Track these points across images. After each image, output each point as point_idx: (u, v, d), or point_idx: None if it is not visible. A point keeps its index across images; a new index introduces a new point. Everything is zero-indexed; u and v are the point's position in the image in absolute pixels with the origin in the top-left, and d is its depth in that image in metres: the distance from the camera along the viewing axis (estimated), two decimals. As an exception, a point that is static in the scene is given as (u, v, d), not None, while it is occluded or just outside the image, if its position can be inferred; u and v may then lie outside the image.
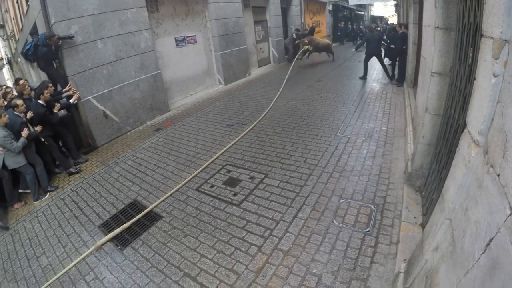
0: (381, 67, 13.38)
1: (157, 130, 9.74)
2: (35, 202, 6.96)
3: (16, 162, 6.65)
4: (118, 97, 9.92)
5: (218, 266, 4.27)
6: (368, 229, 4.39)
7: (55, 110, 7.60)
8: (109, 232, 5.46)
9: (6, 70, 27.92)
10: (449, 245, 2.33)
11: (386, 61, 14.06)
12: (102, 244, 5.12)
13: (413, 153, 5.30)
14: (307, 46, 17.16)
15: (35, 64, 10.61)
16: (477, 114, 2.26)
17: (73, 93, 8.58)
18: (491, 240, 1.70)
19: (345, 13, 36.61)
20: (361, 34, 32.18)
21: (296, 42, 18.26)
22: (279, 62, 19.98)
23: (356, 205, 4.91)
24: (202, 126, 9.41)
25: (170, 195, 6.10)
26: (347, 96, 10.44)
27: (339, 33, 31.32)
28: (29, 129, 6.84)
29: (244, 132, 8.37)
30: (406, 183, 5.11)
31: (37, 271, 5.08)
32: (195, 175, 6.66)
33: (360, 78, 13.32)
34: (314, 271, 3.89)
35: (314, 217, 4.84)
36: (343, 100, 10.00)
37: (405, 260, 3.51)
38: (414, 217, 4.34)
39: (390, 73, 12.59)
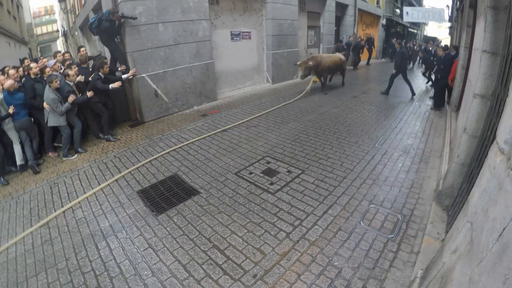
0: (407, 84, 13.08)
1: (203, 115, 9.99)
2: (63, 158, 7.81)
3: (57, 121, 7.57)
4: (171, 79, 10.26)
5: (246, 244, 4.46)
6: (392, 236, 4.44)
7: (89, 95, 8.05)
8: (147, 198, 5.77)
9: (60, 41, 29.01)
10: (468, 244, 2.32)
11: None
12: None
13: (446, 172, 5.20)
14: (313, 77, 13.54)
15: (96, 37, 11.11)
16: (505, 126, 2.28)
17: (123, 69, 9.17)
18: (504, 229, 1.72)
19: (398, 29, 35.92)
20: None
21: (297, 64, 13.09)
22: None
23: (384, 212, 4.96)
24: (247, 118, 9.59)
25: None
26: (390, 111, 10.33)
27: (390, 50, 30.74)
28: (76, 96, 7.66)
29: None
30: (435, 201, 5.10)
31: (71, 222, 5.49)
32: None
33: (382, 93, 13.12)
34: (335, 263, 4.00)
35: (343, 216, 4.93)
36: (386, 114, 9.91)
37: (422, 269, 3.53)
38: (438, 233, 4.36)
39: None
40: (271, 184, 5.97)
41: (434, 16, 26.73)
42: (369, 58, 22.83)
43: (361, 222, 4.75)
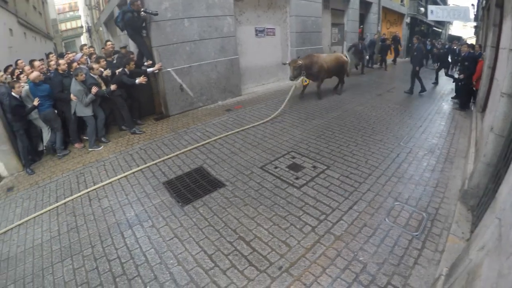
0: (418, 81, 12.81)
1: (228, 110, 10.00)
2: (89, 149, 8.04)
3: (83, 111, 7.90)
4: (196, 74, 10.28)
5: (272, 237, 4.47)
6: (417, 233, 4.41)
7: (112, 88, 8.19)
8: (173, 189, 5.81)
9: (83, 37, 29.44)
10: (496, 240, 2.30)
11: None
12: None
13: (472, 172, 5.11)
14: (301, 78, 10.76)
15: (121, 33, 11.21)
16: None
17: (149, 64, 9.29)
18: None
19: (422, 28, 35.23)
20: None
21: (286, 63, 11.25)
22: (350, 67, 19.39)
23: (409, 210, 4.92)
24: (271, 114, 9.49)
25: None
26: (415, 110, 10.13)
27: (415, 53, 29.96)
28: (100, 88, 7.93)
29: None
30: (460, 201, 5.04)
31: (96, 211, 5.61)
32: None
33: (406, 92, 12.76)
34: (360, 258, 3.98)
35: (368, 212, 4.91)
36: (410, 113, 9.73)
37: (447, 267, 3.47)
38: (462, 233, 4.31)
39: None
40: (297, 178, 5.94)
41: (459, 15, 26.16)
42: (395, 57, 22.47)
43: (386, 219, 4.72)
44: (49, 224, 5.63)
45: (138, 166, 6.80)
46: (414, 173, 6.02)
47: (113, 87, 8.03)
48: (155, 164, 6.84)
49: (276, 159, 6.69)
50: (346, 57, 12.75)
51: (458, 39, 34.33)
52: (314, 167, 6.33)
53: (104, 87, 8.10)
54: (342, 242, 4.28)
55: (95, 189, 6.15)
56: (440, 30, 46.34)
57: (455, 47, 18.63)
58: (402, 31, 29.24)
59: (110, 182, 6.30)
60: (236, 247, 4.34)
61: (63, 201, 5.98)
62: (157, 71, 9.33)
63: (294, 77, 10.48)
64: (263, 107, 10.21)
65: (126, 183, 6.23)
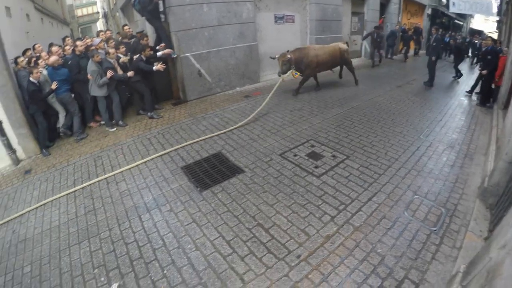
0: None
1: (246, 97, 9.91)
2: (106, 128, 8.34)
3: (97, 91, 8.04)
4: (214, 59, 10.19)
5: (291, 225, 4.44)
6: (435, 228, 4.36)
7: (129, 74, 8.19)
8: (191, 174, 5.78)
9: (100, 23, 29.53)
10: None
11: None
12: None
13: (492, 170, 5.01)
14: (291, 71, 9.67)
15: (138, 18, 11.18)
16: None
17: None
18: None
19: (443, 20, 34.46)
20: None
21: (275, 57, 9.78)
22: (370, 57, 19.11)
23: (428, 204, 4.85)
24: (290, 102, 9.43)
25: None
26: (435, 104, 9.90)
27: (434, 43, 29.22)
28: (116, 72, 8.00)
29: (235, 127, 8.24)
30: (479, 198, 4.97)
31: (114, 194, 5.62)
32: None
33: (425, 84, 12.48)
34: (379, 251, 3.95)
35: (388, 204, 4.84)
36: (430, 106, 9.52)
37: (464, 265, 3.40)
38: (480, 231, 4.27)
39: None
40: (316, 167, 5.86)
41: (481, 9, 25.57)
42: (417, 49, 22.04)
43: (405, 212, 4.67)
44: (67, 206, 5.66)
45: (156, 151, 6.80)
46: (434, 168, 5.92)
47: (130, 73, 8.02)
48: (175, 150, 6.81)
49: (295, 147, 6.60)
50: (347, 44, 11.93)
51: (479, 33, 33.52)
52: (333, 156, 6.24)
53: (120, 72, 8.12)
54: (361, 233, 4.24)
55: (114, 174, 6.15)
56: (462, 23, 45.28)
57: (476, 41, 18.21)
58: (423, 23, 28.63)
59: (129, 168, 6.29)
60: (254, 234, 4.32)
61: (83, 185, 6.00)
62: (175, 55, 9.26)
63: (283, 72, 9.56)
64: (281, 95, 10.07)
65: (144, 167, 6.24)
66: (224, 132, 7.40)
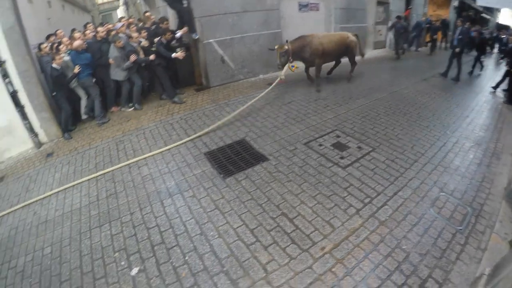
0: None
1: (269, 84, 9.62)
2: (122, 109, 8.65)
3: (118, 75, 8.20)
4: (238, 46, 10.05)
5: (315, 216, 4.35)
6: (461, 228, 4.25)
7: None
8: (214, 160, 5.72)
9: (121, 10, 29.66)
10: None
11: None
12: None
13: None
14: (288, 64, 8.97)
15: (160, 4, 11.12)
16: None
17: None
18: None
19: (469, 13, 33.57)
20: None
21: (273, 49, 9.02)
22: (393, 49, 18.61)
23: (454, 202, 4.72)
24: (313, 91, 9.25)
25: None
26: (462, 99, 9.62)
27: (460, 36, 28.28)
28: (138, 55, 8.03)
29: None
30: (505, 199, 4.88)
31: (136, 178, 5.61)
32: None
33: (453, 79, 11.95)
34: (404, 247, 3.87)
35: (413, 199, 4.72)
36: (457, 102, 9.24)
37: (489, 268, 3.34)
38: (505, 233, 4.23)
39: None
40: (342, 158, 5.73)
41: (510, 3, 24.82)
42: (445, 42, 21.50)
43: (431, 209, 4.55)
44: (88, 189, 5.68)
45: (179, 136, 6.75)
46: (460, 165, 5.77)
47: (151, 57, 8.06)
48: (199, 136, 6.73)
49: (320, 137, 6.46)
50: (357, 36, 10.59)
51: (507, 28, 32.58)
52: (359, 147, 6.09)
53: (142, 56, 8.17)
54: (386, 228, 4.16)
55: (138, 160, 6.12)
56: (489, 17, 44.19)
57: (503, 36, 17.62)
58: (449, 15, 27.93)
59: (153, 155, 6.25)
60: (278, 223, 4.25)
61: (109, 169, 5.98)
62: (196, 36, 9.27)
63: (282, 65, 8.85)
64: (305, 84, 9.86)
65: (167, 152, 6.19)
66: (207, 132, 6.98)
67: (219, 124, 7.01)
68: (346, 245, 3.86)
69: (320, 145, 6.15)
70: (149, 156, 6.16)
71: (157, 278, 3.73)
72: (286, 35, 11.55)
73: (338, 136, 6.48)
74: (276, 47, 8.91)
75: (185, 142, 6.48)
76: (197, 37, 9.24)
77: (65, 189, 5.74)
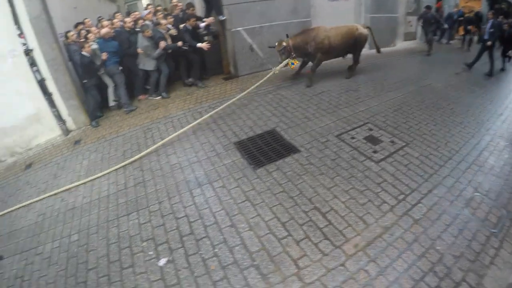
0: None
1: (296, 74, 9.53)
2: (149, 98, 8.70)
3: (147, 65, 8.26)
4: (267, 34, 9.82)
5: (348, 211, 4.23)
6: (495, 231, 4.10)
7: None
8: (244, 150, 5.62)
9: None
10: None
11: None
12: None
13: None
14: (287, 60, 8.35)
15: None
16: None
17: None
18: None
19: (502, 5, 32.45)
20: None
21: (273, 46, 8.55)
22: (425, 42, 18.11)
23: (489, 203, 4.53)
24: (345, 82, 9.02)
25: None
26: (496, 95, 9.18)
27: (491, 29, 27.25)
28: (166, 42, 8.08)
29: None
30: None
31: (164, 167, 5.58)
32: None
33: (486, 74, 11.53)
34: (438, 248, 3.73)
35: (448, 198, 4.53)
36: (491, 98, 8.85)
37: None
38: None
39: None
40: (375, 152, 5.55)
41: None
42: (478, 36, 20.81)
43: (465, 210, 4.38)
44: (116, 177, 5.69)
45: (207, 125, 6.68)
46: (495, 164, 5.51)
47: (179, 43, 8.13)
48: (225, 123, 6.69)
49: (352, 129, 6.26)
50: (370, 28, 9.82)
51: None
52: (392, 142, 5.88)
53: (170, 43, 8.23)
54: (420, 227, 4.01)
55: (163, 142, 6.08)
56: (523, 11, 42.83)
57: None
58: (481, 7, 27.09)
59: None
60: (311, 218, 4.15)
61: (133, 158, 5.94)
62: (223, 17, 9.13)
63: (282, 61, 8.37)
64: (336, 74, 9.65)
65: (196, 141, 6.13)
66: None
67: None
68: (380, 243, 3.74)
69: (353, 138, 5.97)
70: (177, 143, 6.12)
71: (186, 270, 3.69)
72: (315, 24, 11.32)
73: (370, 129, 6.29)
74: (277, 43, 8.43)
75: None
76: (224, 18, 9.11)
77: (92, 176, 5.79)
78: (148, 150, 6.02)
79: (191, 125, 6.53)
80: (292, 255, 3.64)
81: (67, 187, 5.67)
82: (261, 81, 7.81)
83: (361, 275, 3.38)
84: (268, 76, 8.08)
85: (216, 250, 3.83)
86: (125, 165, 5.85)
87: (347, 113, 6.94)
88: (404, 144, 5.84)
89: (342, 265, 3.49)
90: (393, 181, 4.79)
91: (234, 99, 7.24)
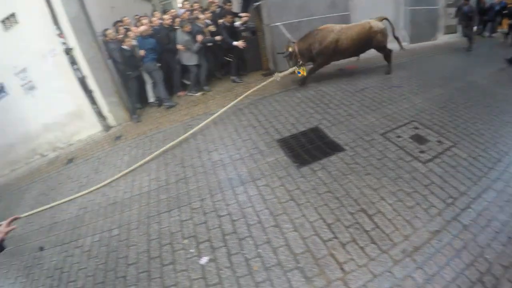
0: None
1: (340, 69, 9.37)
2: (189, 94, 8.89)
3: (189, 60, 8.50)
4: (306, 29, 9.47)
5: (396, 214, 4.06)
6: None
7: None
8: (288, 148, 5.53)
9: None
10: None
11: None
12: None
13: None
14: (294, 68, 7.94)
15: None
16: None
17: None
18: None
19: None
20: None
21: (282, 52, 8.30)
22: (464, 35, 17.33)
23: None
24: (387, 78, 8.73)
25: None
26: None
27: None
28: (204, 36, 8.36)
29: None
30: None
31: (206, 163, 5.58)
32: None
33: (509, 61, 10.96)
34: (487, 256, 3.52)
35: (498, 204, 4.26)
36: None
37: None
38: None
39: None
40: (421, 152, 5.30)
41: None
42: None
43: None
44: (157, 173, 5.75)
45: (249, 121, 6.65)
46: None
47: (218, 38, 8.36)
48: (267, 120, 6.61)
49: (397, 127, 6.03)
50: (389, 20, 9.13)
51: None
52: (439, 141, 5.61)
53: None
54: (470, 233, 3.79)
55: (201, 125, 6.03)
56: None
57: None
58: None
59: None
60: (357, 220, 4.00)
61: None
62: (258, 2, 9.17)
63: (291, 67, 7.95)
64: (378, 70, 9.34)
65: (237, 138, 6.09)
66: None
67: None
68: (428, 249, 3.57)
69: (398, 136, 5.74)
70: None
71: (228, 269, 3.66)
72: (354, 18, 11.07)
73: (416, 128, 6.03)
74: (286, 46, 8.05)
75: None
76: (258, 3, 9.08)
77: (133, 171, 5.94)
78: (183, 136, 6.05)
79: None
80: (337, 258, 3.54)
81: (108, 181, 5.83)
82: (262, 84, 7.63)
83: (407, 282, 3.27)
84: (267, 81, 7.78)
85: (259, 250, 3.78)
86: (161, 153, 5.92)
87: (392, 111, 6.71)
88: (451, 144, 5.57)
89: (389, 271, 3.36)
90: (441, 183, 4.57)
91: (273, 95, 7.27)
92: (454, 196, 4.35)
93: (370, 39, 8.19)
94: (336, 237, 3.78)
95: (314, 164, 5.05)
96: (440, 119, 6.39)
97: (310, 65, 8.34)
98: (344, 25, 8.35)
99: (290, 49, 7.83)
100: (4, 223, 2.65)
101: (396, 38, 8.96)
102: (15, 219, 2.76)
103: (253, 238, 3.95)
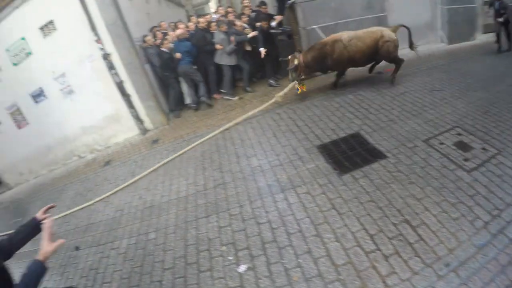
0: None
1: (378, 73, 9.09)
2: (224, 97, 9.02)
3: (226, 60, 8.64)
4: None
5: (440, 226, 3.88)
6: None
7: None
8: (328, 155, 5.43)
9: (213, 2, 31.23)
10: None
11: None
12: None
13: None
14: (293, 83, 7.58)
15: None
16: None
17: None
18: None
19: None
20: None
21: (290, 67, 7.57)
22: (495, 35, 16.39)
23: None
24: (428, 81, 8.41)
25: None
26: None
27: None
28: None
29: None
30: None
31: (245, 169, 5.55)
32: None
33: None
34: None
35: None
36: None
37: None
38: None
39: None
40: (465, 160, 5.07)
41: None
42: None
43: None
44: (195, 177, 5.73)
45: (288, 126, 6.58)
46: None
47: (253, 33, 8.44)
48: (306, 125, 6.51)
49: (440, 134, 5.82)
50: (407, 27, 8.29)
51: None
52: (484, 149, 5.34)
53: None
54: None
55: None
56: None
57: None
58: None
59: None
60: (401, 231, 3.85)
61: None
62: (291, 1, 8.93)
63: (292, 80, 7.55)
64: (416, 73, 9.11)
65: (276, 143, 6.03)
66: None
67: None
68: (473, 264, 3.41)
69: (441, 143, 5.54)
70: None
71: (266, 279, 3.64)
72: (391, 19, 10.84)
73: (459, 134, 5.80)
74: (291, 57, 7.64)
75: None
76: (291, 1, 8.92)
77: (171, 175, 6.05)
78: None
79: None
80: (380, 271, 3.45)
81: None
82: (265, 105, 7.42)
83: (451, 298, 3.10)
84: (268, 103, 7.50)
85: (299, 260, 3.74)
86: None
87: (433, 116, 6.49)
88: (496, 151, 5.30)
89: (432, 286, 3.24)
90: (486, 194, 4.33)
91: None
92: (500, 207, 4.13)
93: (377, 49, 7.60)
94: (379, 249, 3.69)
95: (355, 171, 4.93)
96: (484, 125, 6.12)
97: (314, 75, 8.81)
98: (352, 32, 7.82)
99: (296, 62, 7.46)
100: (40, 211, 2.75)
101: (411, 44, 8.45)
102: (51, 207, 2.88)
103: (293, 247, 3.90)
